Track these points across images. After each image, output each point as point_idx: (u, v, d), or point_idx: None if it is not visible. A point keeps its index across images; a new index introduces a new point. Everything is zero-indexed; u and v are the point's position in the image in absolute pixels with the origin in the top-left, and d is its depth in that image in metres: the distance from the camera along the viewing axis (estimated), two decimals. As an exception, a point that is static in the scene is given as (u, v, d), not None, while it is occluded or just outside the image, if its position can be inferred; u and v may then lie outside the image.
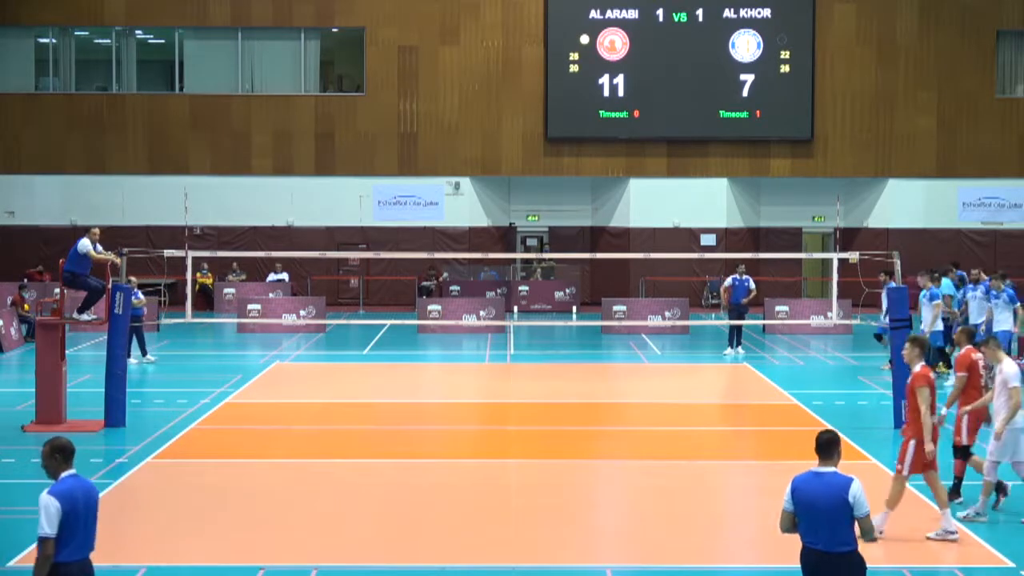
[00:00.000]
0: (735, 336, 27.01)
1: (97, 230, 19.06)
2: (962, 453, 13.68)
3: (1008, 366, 13.12)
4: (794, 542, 10.52)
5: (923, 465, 12.28)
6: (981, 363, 13.81)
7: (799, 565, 8.65)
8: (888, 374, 21.62)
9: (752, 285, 27.54)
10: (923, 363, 12.52)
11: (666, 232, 38.73)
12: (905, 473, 12.31)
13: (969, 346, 13.96)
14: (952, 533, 12.20)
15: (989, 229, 38.98)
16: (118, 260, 18.55)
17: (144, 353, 25.27)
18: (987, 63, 38.74)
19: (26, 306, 29.19)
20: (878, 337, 24.97)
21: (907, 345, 12.69)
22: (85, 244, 18.44)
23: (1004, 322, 21.74)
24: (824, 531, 8.40)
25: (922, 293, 22.73)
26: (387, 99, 38.53)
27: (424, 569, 11.55)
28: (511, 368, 25.05)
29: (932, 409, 12.29)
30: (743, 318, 26.99)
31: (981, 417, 13.84)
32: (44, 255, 36.11)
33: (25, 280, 33.53)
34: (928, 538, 12.25)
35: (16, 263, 36.53)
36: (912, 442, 12.31)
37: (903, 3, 38.53)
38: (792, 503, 8.59)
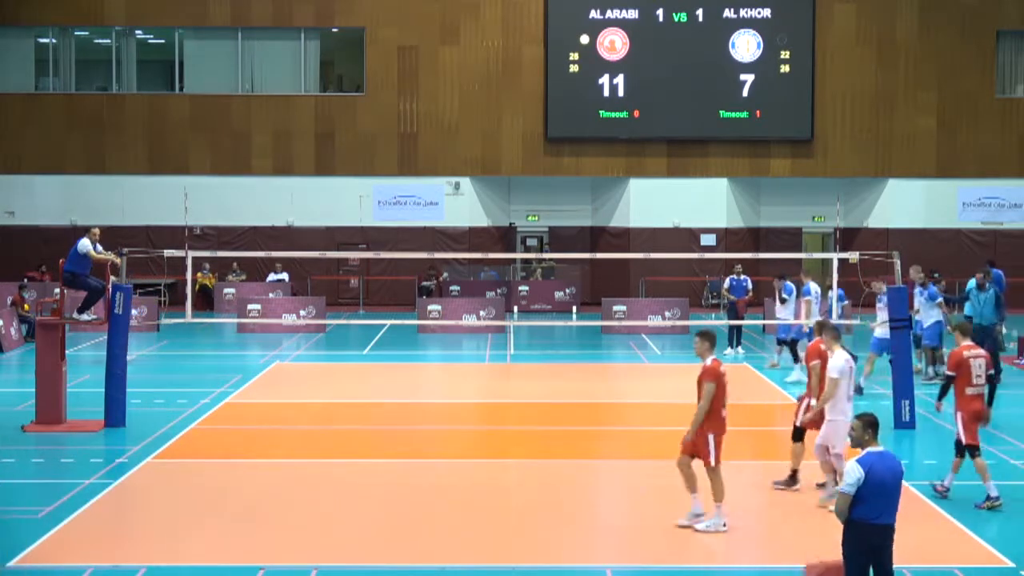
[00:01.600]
0: (735, 336, 27.02)
1: (97, 230, 19.07)
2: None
3: (836, 359, 13.46)
4: (794, 542, 10.61)
5: (689, 450, 12.55)
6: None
7: (853, 545, 9.20)
8: (888, 373, 21.60)
9: (750, 285, 27.56)
10: (714, 356, 12.67)
11: (666, 232, 38.73)
12: (713, 464, 12.45)
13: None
14: (723, 526, 12.45)
15: (989, 229, 38.98)
16: (118, 260, 18.55)
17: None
18: (987, 63, 38.74)
19: (26, 306, 29.18)
20: (782, 343, 24.18)
21: (697, 339, 12.83)
22: (85, 244, 18.44)
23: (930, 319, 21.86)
24: (891, 506, 9.17)
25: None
26: (387, 99, 38.53)
27: (424, 569, 11.55)
28: (511, 368, 25.05)
29: (722, 403, 12.49)
30: (741, 318, 26.98)
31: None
32: (44, 255, 36.07)
33: (25, 280, 33.52)
34: (695, 529, 12.46)
35: (16, 263, 36.52)
36: (711, 436, 12.49)
37: (903, 3, 38.54)
38: (860, 485, 9.06)
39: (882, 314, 21.55)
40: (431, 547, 12.16)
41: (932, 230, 38.80)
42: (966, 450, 13.75)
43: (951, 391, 14.02)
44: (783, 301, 24.17)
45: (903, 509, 12.40)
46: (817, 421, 14.03)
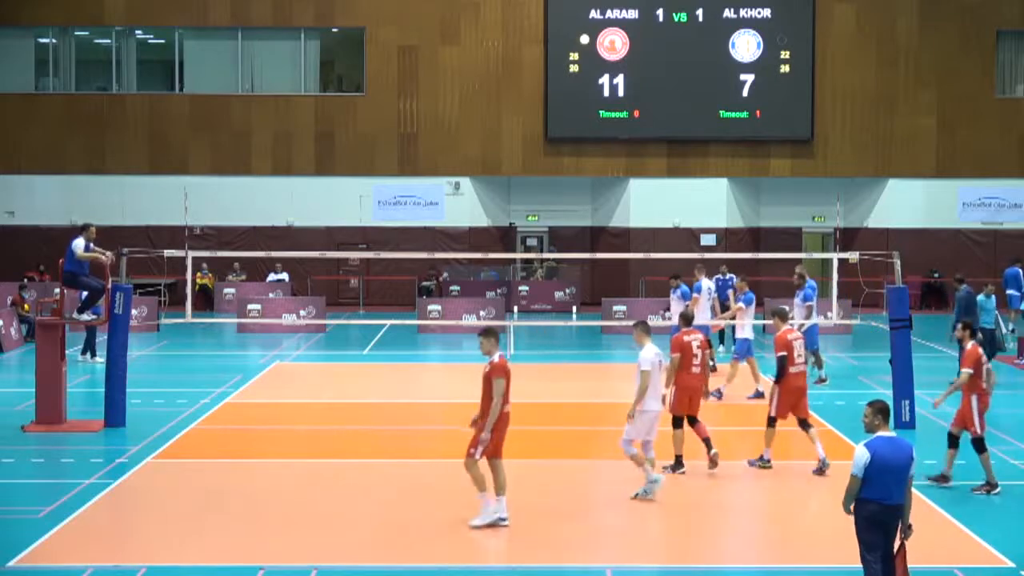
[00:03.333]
0: (727, 335, 27.01)
1: (94, 228, 18.87)
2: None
3: (646, 351, 13.77)
4: (794, 542, 10.60)
5: (485, 451, 12.51)
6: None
7: (864, 524, 9.57)
8: (888, 373, 21.60)
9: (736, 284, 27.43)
10: (501, 353, 12.67)
11: (666, 232, 38.72)
12: (477, 457, 12.47)
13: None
14: (503, 520, 12.55)
15: (989, 229, 38.99)
16: (103, 258, 18.41)
17: (93, 355, 25.17)
18: (987, 63, 38.74)
19: (26, 306, 29.18)
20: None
21: (481, 337, 12.83)
22: (78, 244, 18.39)
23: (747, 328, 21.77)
24: (898, 487, 9.51)
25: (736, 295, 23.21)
26: (387, 99, 38.53)
27: (424, 569, 11.55)
28: (511, 368, 25.02)
29: (505, 400, 12.48)
30: (733, 318, 26.77)
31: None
32: (44, 255, 36.06)
33: (25, 280, 33.52)
34: (474, 526, 12.51)
35: (16, 263, 36.51)
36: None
37: (903, 3, 38.54)
38: (868, 467, 9.45)
39: (747, 316, 21.66)
40: (431, 547, 12.16)
41: (932, 230, 38.81)
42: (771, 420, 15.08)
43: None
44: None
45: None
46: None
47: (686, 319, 15.87)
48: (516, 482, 14.80)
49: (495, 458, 12.61)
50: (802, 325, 20.62)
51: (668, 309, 24.48)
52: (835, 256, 22.25)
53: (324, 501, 13.84)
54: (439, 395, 22.18)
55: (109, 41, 39.14)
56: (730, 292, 24.54)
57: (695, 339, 15.27)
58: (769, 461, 15.32)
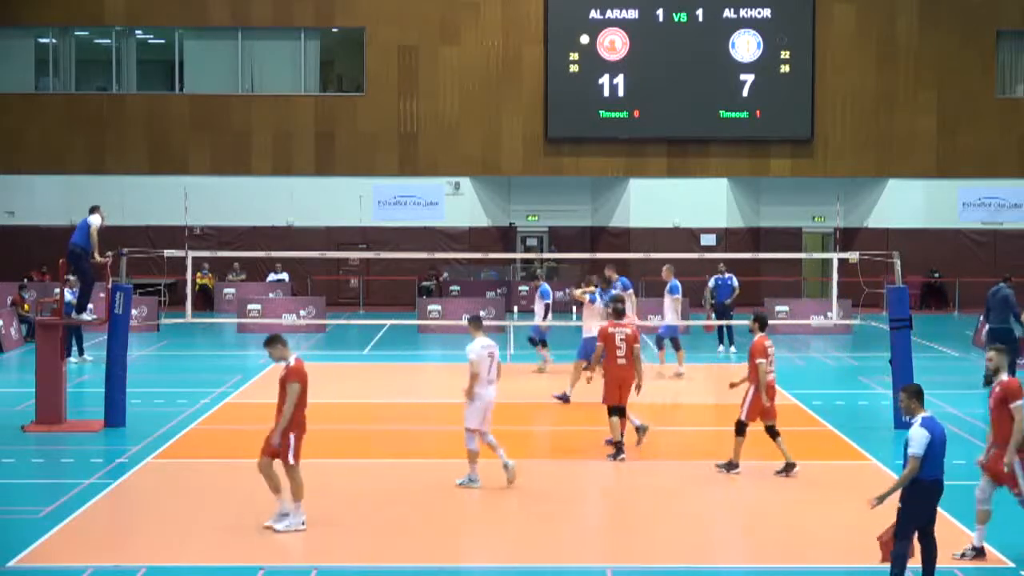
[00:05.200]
0: (726, 335, 27.04)
1: (103, 212, 19.00)
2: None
3: (474, 344, 14.24)
4: (794, 542, 10.58)
5: (272, 452, 12.45)
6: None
7: (917, 503, 10.27)
8: (888, 373, 21.61)
9: (736, 283, 27.45)
10: (296, 356, 12.61)
11: (666, 232, 38.72)
12: (292, 462, 12.37)
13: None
14: (303, 525, 12.48)
15: (989, 229, 38.98)
16: (100, 259, 18.44)
17: (81, 352, 25.17)
18: (987, 63, 38.74)
19: (26, 306, 29.18)
20: (531, 341, 24.51)
21: (273, 345, 12.63)
22: (95, 220, 18.45)
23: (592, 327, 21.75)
24: (942, 462, 10.22)
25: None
26: (387, 99, 38.53)
27: (424, 569, 11.55)
28: (511, 368, 24.94)
29: (305, 403, 12.43)
30: (729, 318, 26.81)
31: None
32: (44, 255, 36.02)
33: (25, 280, 33.52)
34: (275, 529, 12.42)
35: (16, 263, 36.47)
36: (292, 435, 12.37)
37: (903, 3, 38.54)
38: (928, 446, 10.06)
39: (591, 317, 21.54)
40: (431, 547, 12.16)
41: (932, 230, 38.80)
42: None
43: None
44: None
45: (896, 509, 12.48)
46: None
47: (617, 312, 16.67)
48: (517, 482, 14.82)
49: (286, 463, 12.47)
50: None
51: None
52: (835, 256, 22.25)
53: (324, 501, 13.83)
54: (439, 395, 22.14)
55: (109, 41, 39.14)
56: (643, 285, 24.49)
57: (620, 331, 16.06)
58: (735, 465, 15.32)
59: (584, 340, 21.17)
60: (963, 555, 11.60)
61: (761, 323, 15.49)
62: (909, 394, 10.33)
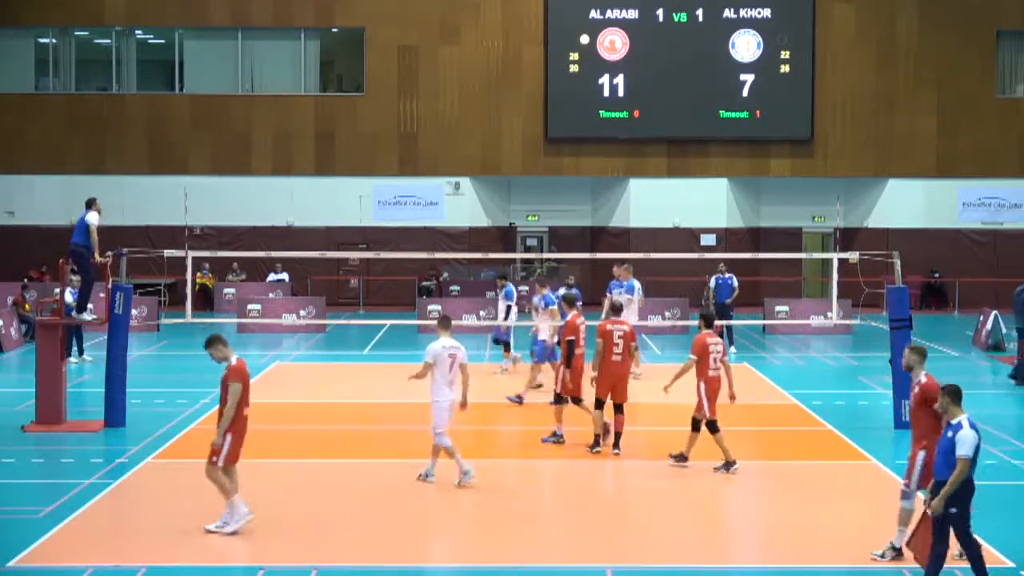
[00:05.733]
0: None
1: (100, 204, 18.98)
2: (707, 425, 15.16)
3: (434, 344, 14.37)
4: (794, 541, 10.57)
5: (226, 458, 12.36)
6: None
7: (965, 501, 10.23)
8: (888, 373, 21.62)
9: (736, 283, 27.42)
10: (238, 357, 12.56)
11: (666, 232, 38.72)
12: (220, 464, 12.28)
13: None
14: (239, 523, 12.34)
15: (989, 229, 38.99)
16: (100, 259, 18.44)
17: (81, 352, 25.18)
18: (987, 63, 38.75)
19: (26, 306, 29.19)
20: (495, 341, 24.61)
21: (209, 350, 12.58)
22: (93, 217, 18.48)
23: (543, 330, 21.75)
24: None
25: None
26: (387, 99, 38.53)
27: (424, 569, 11.55)
28: (511, 368, 25.02)
29: (239, 407, 12.30)
30: (729, 318, 26.77)
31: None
32: (44, 255, 36.04)
33: (26, 280, 33.52)
34: (208, 530, 12.30)
35: (16, 263, 36.48)
36: (229, 436, 12.29)
37: (903, 3, 38.54)
38: (977, 448, 10.05)
39: (545, 319, 21.60)
40: (431, 547, 12.16)
41: (932, 230, 38.80)
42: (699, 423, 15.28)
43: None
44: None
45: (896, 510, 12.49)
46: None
47: (615, 309, 17.45)
48: (516, 482, 14.83)
49: (232, 464, 12.42)
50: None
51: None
52: (835, 256, 22.24)
53: (324, 501, 13.84)
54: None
55: (109, 41, 39.14)
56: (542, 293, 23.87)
57: (618, 328, 16.40)
58: (683, 457, 15.54)
59: (540, 343, 21.48)
60: (883, 555, 11.51)
61: (707, 321, 15.97)
62: (951, 397, 10.35)
